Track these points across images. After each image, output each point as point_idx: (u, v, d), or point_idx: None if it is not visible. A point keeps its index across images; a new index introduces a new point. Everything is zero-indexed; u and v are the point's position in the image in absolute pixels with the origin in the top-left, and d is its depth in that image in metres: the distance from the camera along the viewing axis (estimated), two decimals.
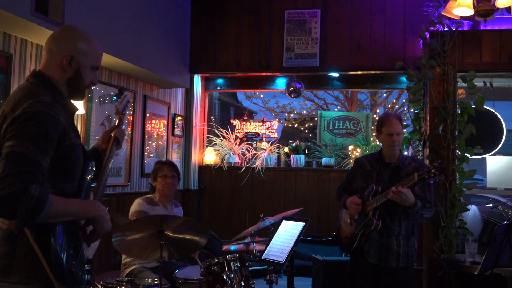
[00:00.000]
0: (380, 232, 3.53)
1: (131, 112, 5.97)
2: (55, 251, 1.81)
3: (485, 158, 5.86)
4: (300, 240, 3.48)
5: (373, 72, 6.72)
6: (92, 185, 2.20)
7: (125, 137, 2.51)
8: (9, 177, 1.74)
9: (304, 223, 3.52)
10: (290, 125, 15.30)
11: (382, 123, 3.66)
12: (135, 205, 4.02)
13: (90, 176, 2.11)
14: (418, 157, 5.58)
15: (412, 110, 5.60)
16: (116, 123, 2.52)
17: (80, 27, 2.13)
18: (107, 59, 5.11)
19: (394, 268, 3.53)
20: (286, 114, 15.29)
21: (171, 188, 4.09)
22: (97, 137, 5.21)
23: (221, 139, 7.37)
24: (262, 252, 3.59)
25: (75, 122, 4.99)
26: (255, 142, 8.28)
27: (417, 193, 3.49)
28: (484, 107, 4.95)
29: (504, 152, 6.45)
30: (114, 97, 2.56)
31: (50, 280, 1.82)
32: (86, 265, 2.06)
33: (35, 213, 1.74)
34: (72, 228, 1.95)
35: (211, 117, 7.76)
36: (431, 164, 3.34)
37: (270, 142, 7.46)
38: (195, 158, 7.37)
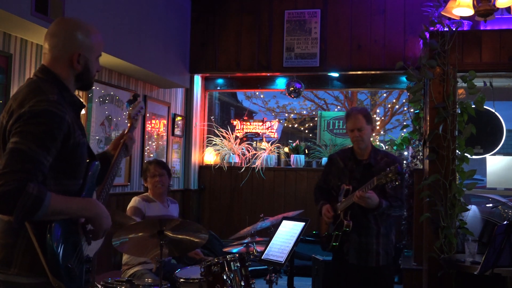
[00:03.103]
0: (358, 231, 3.52)
1: None
2: (50, 247, 1.83)
3: (485, 158, 5.86)
4: (300, 240, 3.48)
5: (373, 72, 6.72)
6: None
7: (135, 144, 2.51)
8: (9, 174, 1.77)
9: (304, 223, 3.52)
10: (290, 125, 15.29)
11: (346, 118, 3.65)
12: (132, 201, 4.11)
13: (94, 175, 2.12)
14: (418, 157, 5.59)
15: (412, 110, 5.60)
16: (127, 128, 2.52)
17: (76, 18, 2.13)
18: (107, 59, 5.11)
19: (374, 268, 3.52)
20: (286, 114, 15.28)
21: (161, 186, 4.13)
22: (97, 137, 5.22)
23: (221, 139, 7.37)
24: (262, 252, 3.59)
25: None
26: (255, 142, 8.28)
27: (387, 191, 3.45)
28: (484, 107, 4.95)
29: (504, 152, 6.46)
30: (127, 103, 2.57)
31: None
32: (86, 264, 2.02)
33: (32, 211, 1.77)
34: (70, 225, 1.97)
35: (211, 117, 7.76)
36: (388, 168, 3.27)
37: (270, 142, 7.46)
38: (195, 158, 7.37)
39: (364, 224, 3.51)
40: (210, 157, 7.44)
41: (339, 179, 3.65)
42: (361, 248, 3.53)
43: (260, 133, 7.76)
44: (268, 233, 3.82)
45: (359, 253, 3.53)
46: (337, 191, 3.65)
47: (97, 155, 2.38)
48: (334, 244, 3.59)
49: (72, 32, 2.04)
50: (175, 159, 7.02)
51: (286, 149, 7.48)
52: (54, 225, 1.86)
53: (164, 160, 6.72)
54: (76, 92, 2.18)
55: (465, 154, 4.87)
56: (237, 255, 3.49)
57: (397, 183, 3.24)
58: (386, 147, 7.51)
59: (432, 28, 5.03)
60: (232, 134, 7.47)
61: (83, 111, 4.90)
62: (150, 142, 6.44)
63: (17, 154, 1.80)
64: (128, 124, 2.56)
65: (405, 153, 6.36)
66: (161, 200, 4.16)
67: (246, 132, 7.76)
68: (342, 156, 3.73)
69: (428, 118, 5.01)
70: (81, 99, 2.15)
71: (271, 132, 7.74)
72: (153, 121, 6.53)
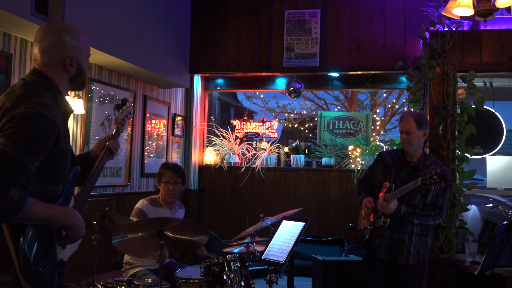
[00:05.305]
0: (391, 228, 3.57)
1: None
2: (22, 250, 1.84)
3: (485, 158, 5.86)
4: (300, 240, 3.48)
5: (373, 72, 6.72)
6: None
7: (122, 145, 2.48)
8: None
9: (304, 223, 3.51)
10: (290, 125, 15.29)
11: (399, 120, 3.74)
12: (138, 203, 4.05)
13: (73, 180, 2.13)
14: None
15: (412, 110, 5.60)
16: (113, 132, 2.50)
17: (62, 22, 2.14)
18: (107, 59, 5.11)
19: (404, 265, 3.55)
20: (286, 114, 15.29)
21: (172, 195, 4.05)
22: (97, 137, 5.21)
23: (221, 139, 7.37)
24: (262, 252, 3.58)
25: (75, 122, 4.99)
26: (255, 142, 8.27)
27: (428, 198, 3.53)
28: (484, 107, 4.95)
29: (504, 152, 6.46)
30: (115, 107, 2.53)
31: None
32: (59, 267, 2.03)
33: (10, 215, 1.79)
34: (45, 229, 1.97)
35: (211, 117, 7.76)
36: (434, 170, 3.34)
37: (270, 142, 7.46)
38: (195, 158, 7.37)
39: (398, 222, 3.55)
40: (210, 157, 7.44)
41: (383, 176, 3.70)
42: (392, 244, 3.58)
43: (260, 133, 7.75)
44: (268, 233, 3.82)
45: (389, 249, 3.58)
46: (379, 187, 3.70)
47: (81, 155, 2.41)
48: (367, 237, 3.65)
49: (60, 36, 2.06)
50: (175, 159, 7.01)
51: (286, 149, 7.47)
52: (28, 228, 1.87)
53: (164, 160, 6.72)
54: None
55: (465, 154, 4.87)
56: (237, 255, 3.49)
57: (440, 186, 3.32)
58: (386, 147, 7.51)
59: (432, 28, 5.04)
60: (232, 134, 7.47)
61: (82, 111, 4.91)
62: (150, 142, 6.44)
63: (2, 157, 1.79)
64: (114, 129, 2.52)
65: None
66: (169, 207, 4.09)
67: (246, 132, 7.75)
68: (392, 154, 3.80)
69: (428, 118, 5.01)
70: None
71: (271, 132, 7.74)
72: (153, 121, 6.53)
